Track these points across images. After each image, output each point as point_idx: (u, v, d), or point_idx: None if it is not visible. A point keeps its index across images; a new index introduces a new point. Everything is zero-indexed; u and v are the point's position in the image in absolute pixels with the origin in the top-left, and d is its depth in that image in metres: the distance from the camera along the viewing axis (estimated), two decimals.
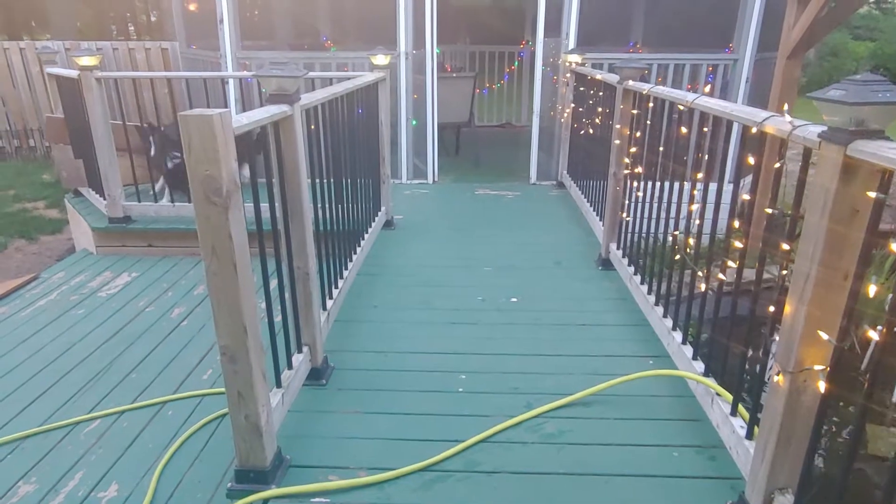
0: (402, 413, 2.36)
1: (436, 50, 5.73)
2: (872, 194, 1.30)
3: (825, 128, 1.46)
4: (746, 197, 2.05)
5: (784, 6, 5.15)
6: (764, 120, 1.77)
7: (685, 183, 2.54)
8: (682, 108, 2.48)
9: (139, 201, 4.59)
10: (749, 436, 1.92)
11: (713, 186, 2.29)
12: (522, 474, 2.04)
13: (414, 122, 5.93)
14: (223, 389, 2.85)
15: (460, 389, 2.53)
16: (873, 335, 1.28)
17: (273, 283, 2.26)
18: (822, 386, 1.47)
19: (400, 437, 2.22)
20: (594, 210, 4.37)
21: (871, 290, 1.51)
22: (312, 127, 2.81)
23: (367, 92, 3.81)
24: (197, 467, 2.48)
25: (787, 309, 1.59)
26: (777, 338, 1.67)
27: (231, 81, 5.62)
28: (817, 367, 1.51)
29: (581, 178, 4.98)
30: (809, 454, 1.59)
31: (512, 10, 13.28)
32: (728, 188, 2.30)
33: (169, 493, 2.16)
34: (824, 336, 1.44)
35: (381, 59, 4.21)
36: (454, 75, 6.95)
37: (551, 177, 5.96)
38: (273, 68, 2.13)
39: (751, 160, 1.83)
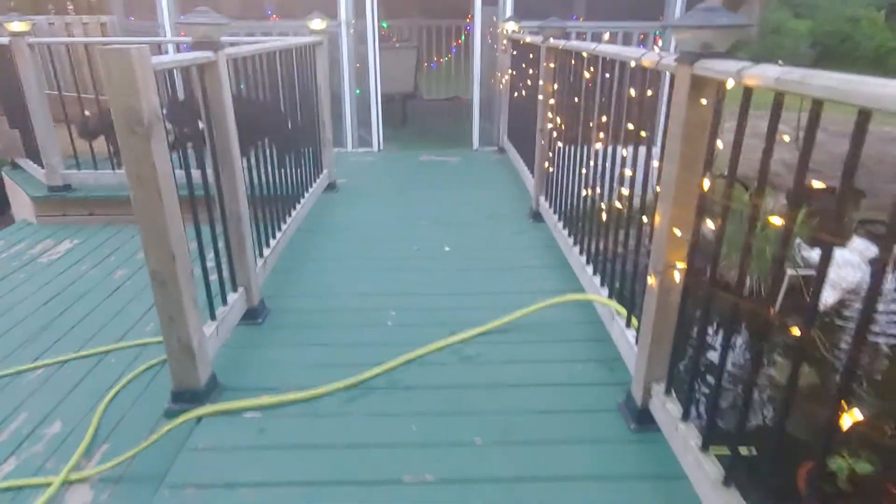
0: (332, 344, 2.53)
1: (382, 24, 5.83)
2: (705, 101, 1.52)
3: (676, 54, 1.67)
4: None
5: None
6: (641, 56, 1.98)
7: (601, 136, 2.75)
8: (585, 55, 2.69)
9: (79, 169, 4.59)
10: (637, 342, 2.15)
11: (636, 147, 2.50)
12: (440, 388, 2.23)
13: (357, 92, 6.03)
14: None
15: (389, 324, 2.71)
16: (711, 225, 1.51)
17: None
18: (677, 277, 1.70)
19: (329, 364, 2.38)
20: (528, 167, 4.58)
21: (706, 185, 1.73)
22: (242, 86, 2.93)
23: (302, 54, 3.91)
24: (139, 404, 2.61)
25: (657, 218, 1.81)
26: (651, 248, 1.89)
27: (170, 48, 5.60)
28: (678, 264, 1.74)
29: (518, 141, 5.19)
30: (675, 345, 1.83)
31: None
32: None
33: (111, 427, 2.28)
34: (678, 233, 1.67)
35: (317, 24, 4.30)
36: (396, 45, 7.05)
37: (493, 143, 6.15)
38: (197, 15, 2.24)
39: (632, 92, 2.04)
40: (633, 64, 2.01)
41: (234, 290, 2.58)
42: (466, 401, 2.16)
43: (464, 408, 2.12)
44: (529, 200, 4.26)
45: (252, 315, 2.68)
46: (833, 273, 4.13)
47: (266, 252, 3.00)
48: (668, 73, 1.82)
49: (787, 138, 1.37)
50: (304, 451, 1.91)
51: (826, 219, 1.22)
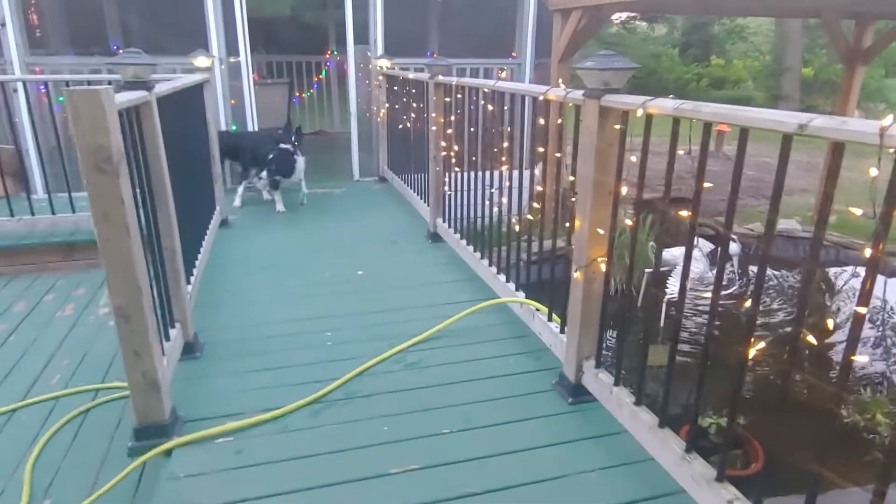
0: (279, 367, 2.62)
1: (232, 126, 5.94)
2: (618, 126, 1.94)
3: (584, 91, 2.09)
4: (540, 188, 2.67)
5: (551, 20, 6.21)
6: (546, 90, 2.40)
7: (495, 161, 3.15)
8: (486, 90, 3.09)
9: None
10: (562, 331, 2.53)
11: (520, 169, 2.91)
12: (394, 392, 2.44)
13: (234, 128, 6.00)
14: (79, 388, 2.89)
15: (329, 343, 2.85)
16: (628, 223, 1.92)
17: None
18: (603, 266, 2.10)
19: (283, 385, 2.48)
20: (418, 194, 4.91)
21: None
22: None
23: (193, 92, 3.92)
24: (72, 456, 2.51)
25: (577, 222, 2.20)
26: (573, 248, 2.29)
27: (20, 88, 5.20)
28: (600, 259, 2.14)
29: (402, 170, 5.51)
30: (601, 325, 2.23)
31: (312, 23, 13.55)
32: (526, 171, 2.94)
33: (47, 483, 2.20)
34: (601, 231, 2.07)
35: (202, 61, 4.31)
36: (269, 81, 7.10)
37: (373, 173, 6.42)
38: (127, 56, 2.28)
39: (541, 121, 2.44)
40: (541, 98, 2.42)
41: (173, 325, 2.57)
42: (423, 400, 2.38)
43: (423, 405, 2.34)
44: (424, 224, 4.58)
45: (189, 350, 2.68)
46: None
47: (189, 287, 3.00)
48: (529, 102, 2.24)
49: (681, 152, 1.82)
50: (288, 462, 2.02)
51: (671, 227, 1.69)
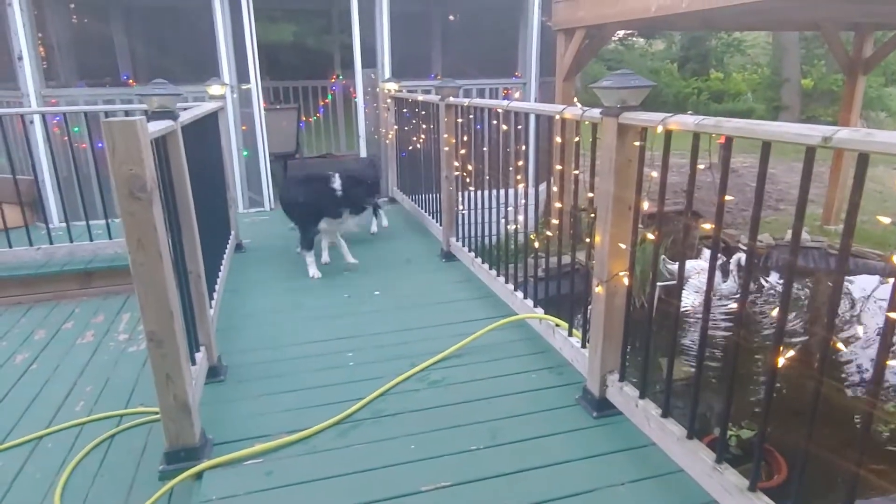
0: (303, 389, 2.64)
1: (243, 153, 6.02)
2: (637, 143, 1.98)
3: (601, 109, 2.14)
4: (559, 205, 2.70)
5: (554, 39, 6.31)
6: (563, 110, 2.45)
7: (518, 178, 3.20)
8: (500, 111, 3.15)
9: None
10: (583, 345, 2.55)
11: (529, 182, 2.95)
12: (420, 411, 2.45)
13: (245, 153, 6.08)
14: (104, 415, 2.92)
15: (351, 364, 2.87)
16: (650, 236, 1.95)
17: None
18: (626, 280, 2.13)
19: (308, 406, 2.50)
20: (429, 214, 4.95)
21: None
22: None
23: (210, 120, 3.99)
24: (100, 482, 2.54)
25: (597, 238, 2.24)
26: (594, 263, 2.32)
27: (37, 119, 5.30)
28: (622, 273, 2.17)
29: (412, 190, 5.56)
30: (624, 338, 2.25)
31: (315, 48, 13.78)
32: (538, 183, 2.97)
33: None
34: (623, 246, 2.10)
35: (216, 89, 4.40)
36: (278, 107, 7.21)
37: (383, 194, 6.48)
38: (155, 87, 2.34)
39: (558, 139, 2.49)
40: (557, 117, 2.47)
41: (198, 349, 2.60)
42: (448, 417, 2.40)
43: (449, 423, 2.36)
44: (437, 243, 4.62)
45: (214, 373, 2.71)
46: (695, 279, 4.94)
47: (211, 312, 3.03)
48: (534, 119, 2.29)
49: (702, 166, 1.86)
50: (319, 483, 2.03)
51: (677, 238, 1.72)
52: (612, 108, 2.07)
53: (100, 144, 5.00)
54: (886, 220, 1.30)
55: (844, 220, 1.31)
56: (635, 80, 2.03)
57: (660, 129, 1.83)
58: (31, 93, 5.32)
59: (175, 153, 2.41)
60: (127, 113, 4.53)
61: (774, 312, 1.62)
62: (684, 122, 1.76)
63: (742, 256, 5.55)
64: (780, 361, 1.59)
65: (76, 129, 5.58)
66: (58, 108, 5.19)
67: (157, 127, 2.11)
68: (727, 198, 1.73)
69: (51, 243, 4.64)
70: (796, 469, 1.60)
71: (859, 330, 4.87)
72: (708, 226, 1.79)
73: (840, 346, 1.45)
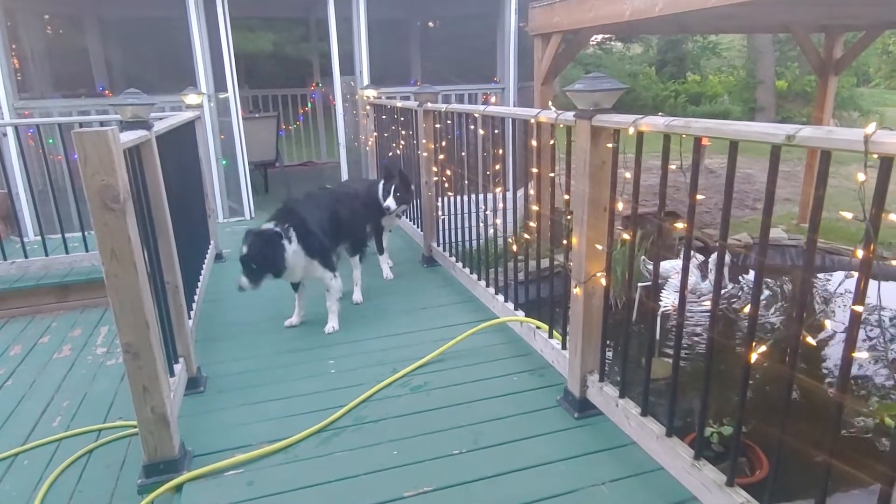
0: (284, 397, 2.63)
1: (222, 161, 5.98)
2: (610, 145, 2.01)
3: (575, 112, 2.16)
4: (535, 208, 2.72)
5: (532, 45, 6.36)
6: (538, 113, 2.47)
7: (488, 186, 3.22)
8: (477, 115, 3.16)
9: None
10: (564, 347, 2.57)
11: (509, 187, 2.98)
12: (402, 416, 2.45)
13: (224, 162, 6.04)
14: (82, 430, 2.88)
15: (332, 371, 2.86)
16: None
17: None
18: (603, 281, 2.15)
19: (290, 414, 2.48)
20: (409, 220, 4.95)
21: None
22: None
23: (186, 129, 3.96)
24: (78, 498, 2.50)
25: (574, 239, 2.26)
26: (571, 264, 2.33)
27: (9, 131, 5.22)
28: (599, 274, 2.19)
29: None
30: (603, 339, 2.27)
31: (294, 56, 13.75)
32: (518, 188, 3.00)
33: None
34: (599, 247, 2.12)
35: (192, 98, 4.37)
36: (257, 115, 7.17)
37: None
38: (128, 97, 2.32)
39: (534, 142, 2.51)
40: (533, 121, 2.49)
41: (176, 361, 2.58)
42: (431, 422, 2.40)
43: (431, 428, 2.35)
44: (418, 248, 4.62)
45: (193, 384, 2.68)
46: (675, 279, 4.99)
47: (190, 322, 3.00)
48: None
49: (673, 166, 1.88)
50: (302, 491, 2.02)
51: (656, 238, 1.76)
52: (585, 111, 2.09)
53: (74, 156, 4.93)
54: (849, 216, 1.33)
55: (810, 215, 1.34)
56: (608, 83, 2.06)
57: (631, 130, 1.86)
58: (4, 105, 5.25)
59: (150, 163, 2.39)
60: (102, 123, 4.47)
61: (747, 309, 1.64)
62: (655, 123, 1.78)
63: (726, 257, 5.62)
64: (753, 357, 1.61)
65: (51, 140, 5.51)
66: (31, 120, 5.12)
67: (130, 137, 2.10)
68: (698, 197, 1.75)
69: (25, 257, 4.56)
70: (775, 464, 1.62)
71: (827, 325, 4.95)
72: (680, 225, 1.81)
73: (809, 339, 1.47)
